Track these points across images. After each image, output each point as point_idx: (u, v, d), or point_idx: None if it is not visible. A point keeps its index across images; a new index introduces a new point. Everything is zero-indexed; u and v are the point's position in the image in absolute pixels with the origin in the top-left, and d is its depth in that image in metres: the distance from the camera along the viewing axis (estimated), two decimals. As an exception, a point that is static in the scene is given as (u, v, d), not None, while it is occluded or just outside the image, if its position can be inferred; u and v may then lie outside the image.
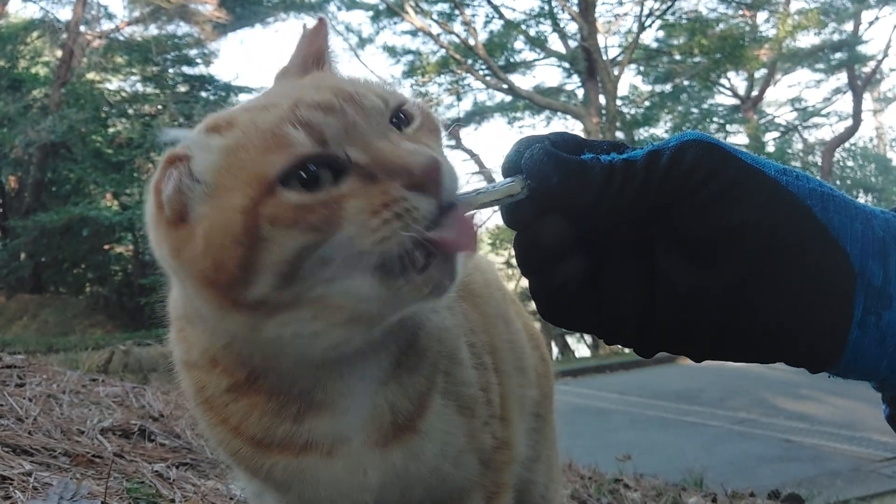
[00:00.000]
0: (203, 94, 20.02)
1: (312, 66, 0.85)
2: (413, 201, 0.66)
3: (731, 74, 25.33)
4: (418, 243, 0.67)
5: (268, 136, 0.67)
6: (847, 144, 29.59)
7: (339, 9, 23.04)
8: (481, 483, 0.94)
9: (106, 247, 20.19)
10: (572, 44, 23.18)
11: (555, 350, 22.53)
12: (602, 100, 21.79)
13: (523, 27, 23.20)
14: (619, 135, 24.62)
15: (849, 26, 23.68)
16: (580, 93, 23.65)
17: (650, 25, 22.65)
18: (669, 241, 0.63)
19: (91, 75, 19.41)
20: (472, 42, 21.67)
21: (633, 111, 25.80)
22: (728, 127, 26.91)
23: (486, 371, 0.95)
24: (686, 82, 24.57)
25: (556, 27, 23.30)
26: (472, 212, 0.69)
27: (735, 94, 26.43)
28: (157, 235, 0.76)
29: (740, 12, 23.43)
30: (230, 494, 1.93)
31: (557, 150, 0.65)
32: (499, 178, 0.68)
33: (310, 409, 0.81)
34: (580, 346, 23.94)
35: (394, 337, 0.83)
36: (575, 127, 25.01)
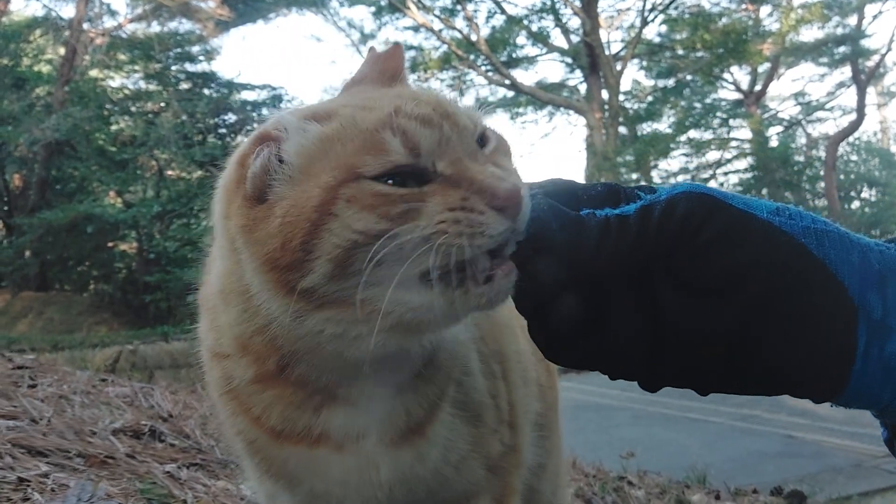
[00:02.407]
0: (206, 91, 20.05)
1: (389, 81, 0.88)
2: (489, 217, 0.67)
3: (734, 69, 25.29)
4: (483, 254, 0.68)
5: (366, 136, 0.70)
6: (851, 139, 29.47)
7: (342, 5, 23.07)
8: (488, 488, 0.97)
9: (110, 244, 20.26)
10: (574, 39, 23.17)
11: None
12: (605, 95, 21.77)
13: (525, 22, 23.17)
14: (622, 130, 24.61)
15: (852, 20, 23.61)
16: (583, 88, 23.62)
17: (653, 20, 22.67)
18: (671, 284, 0.65)
19: (94, 73, 19.45)
20: (474, 38, 21.67)
21: (635, 106, 25.78)
22: (731, 122, 26.87)
23: (495, 379, 0.98)
24: (689, 77, 24.53)
25: (559, 22, 23.29)
26: None
27: (738, 89, 26.37)
28: (229, 209, 0.77)
29: (743, 6, 23.37)
30: (240, 495, 1.96)
31: (552, 200, 0.67)
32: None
33: (330, 401, 0.84)
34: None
35: (419, 350, 0.85)
36: (578, 122, 24.99)
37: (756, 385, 0.66)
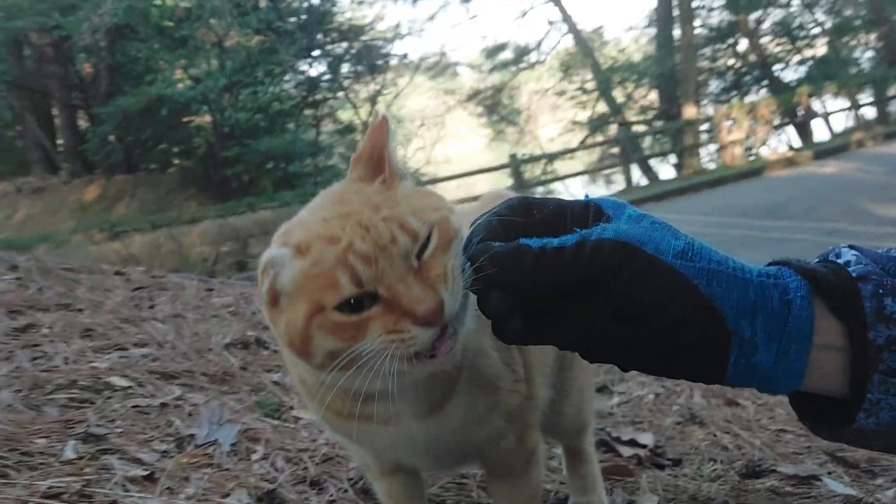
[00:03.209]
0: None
1: (377, 162, 1.06)
2: (414, 333, 0.92)
3: None
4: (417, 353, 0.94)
5: (326, 273, 0.94)
6: None
7: None
8: (510, 430, 1.23)
9: (185, 120, 20.88)
10: None
11: (636, 175, 22.26)
12: None
13: None
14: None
15: None
16: None
17: None
18: (597, 305, 0.86)
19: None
20: None
21: None
22: None
23: (509, 350, 1.20)
24: None
25: None
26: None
27: None
28: (262, 305, 1.06)
29: None
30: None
31: (504, 225, 0.90)
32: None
33: (368, 398, 1.09)
34: (664, 167, 23.48)
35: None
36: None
37: (663, 375, 0.91)
